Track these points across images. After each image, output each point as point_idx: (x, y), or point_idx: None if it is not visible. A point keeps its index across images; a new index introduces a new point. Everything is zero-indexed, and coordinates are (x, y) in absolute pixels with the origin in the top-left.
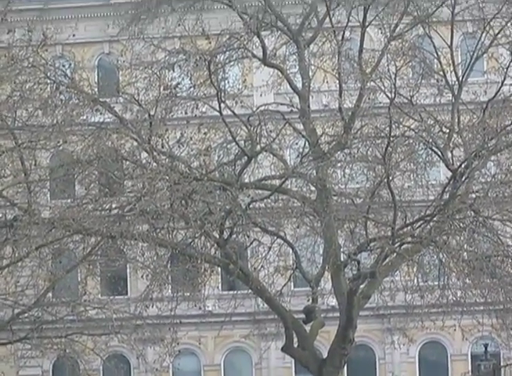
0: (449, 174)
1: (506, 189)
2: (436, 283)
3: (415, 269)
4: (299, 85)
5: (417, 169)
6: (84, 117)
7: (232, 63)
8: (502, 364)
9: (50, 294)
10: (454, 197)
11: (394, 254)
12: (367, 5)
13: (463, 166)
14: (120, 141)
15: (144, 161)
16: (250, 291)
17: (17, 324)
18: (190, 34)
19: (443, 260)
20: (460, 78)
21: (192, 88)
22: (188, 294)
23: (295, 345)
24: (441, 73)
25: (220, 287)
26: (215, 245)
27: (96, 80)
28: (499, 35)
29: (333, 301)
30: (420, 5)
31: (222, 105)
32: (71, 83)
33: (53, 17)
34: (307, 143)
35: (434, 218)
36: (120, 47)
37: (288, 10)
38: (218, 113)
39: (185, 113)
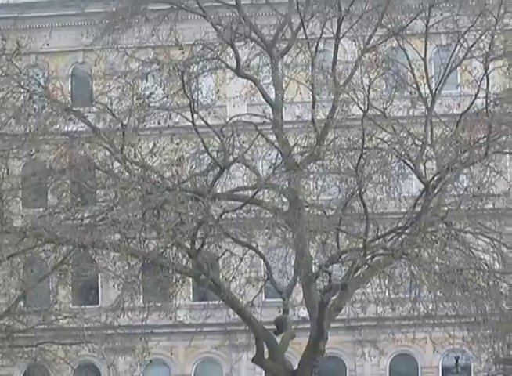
0: (422, 186)
1: (479, 203)
2: (407, 295)
3: (386, 282)
4: (272, 96)
5: (390, 181)
6: (57, 127)
7: (205, 74)
8: None
9: (21, 303)
10: (426, 210)
11: (366, 266)
12: (341, 17)
13: (435, 179)
14: (93, 150)
15: (116, 171)
16: (221, 301)
17: None
18: (164, 44)
19: (415, 272)
20: (434, 91)
21: (165, 99)
22: (159, 304)
23: (266, 357)
24: (415, 85)
25: (191, 298)
26: (187, 255)
27: (70, 89)
28: (473, 48)
29: (304, 313)
30: (394, 17)
31: (195, 115)
32: (45, 92)
33: (27, 26)
34: (279, 154)
35: (406, 231)
36: (94, 56)
37: (262, 21)
38: (190, 124)
39: (158, 123)
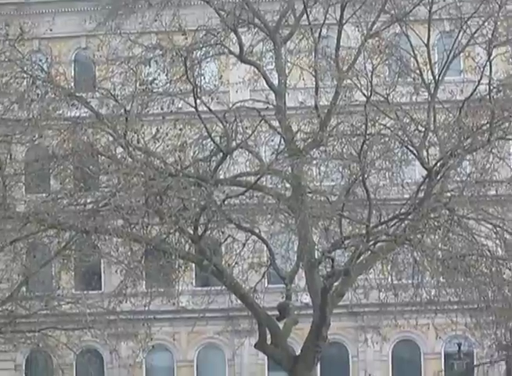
0: (425, 172)
1: (482, 189)
2: (410, 281)
3: (389, 268)
4: (275, 82)
5: (393, 167)
6: (60, 112)
7: (208, 60)
8: (475, 363)
9: (24, 289)
10: (429, 196)
11: (369, 252)
12: (344, 3)
13: (438, 165)
14: (96, 136)
15: (119, 156)
16: (223, 287)
17: None
18: (167, 30)
19: (417, 258)
20: (437, 77)
21: (168, 84)
22: (162, 289)
23: (268, 342)
24: (418, 71)
25: (194, 283)
26: (190, 241)
27: (73, 74)
28: (476, 34)
29: (306, 299)
30: (398, 3)
31: (198, 101)
32: (48, 77)
33: (30, 11)
34: (282, 140)
35: (409, 217)
36: (97, 42)
37: (265, 7)
38: (193, 110)
39: (161, 108)
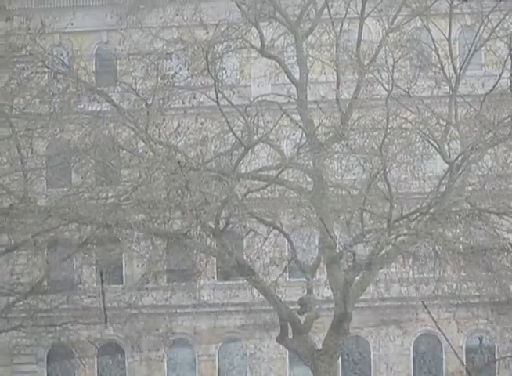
0: (446, 166)
1: (503, 182)
2: (431, 275)
3: (410, 262)
4: (297, 76)
5: (414, 161)
6: (82, 106)
7: (229, 54)
8: (496, 357)
9: (45, 283)
10: (450, 190)
11: (390, 246)
12: None
13: (459, 159)
14: (117, 130)
15: (141, 151)
16: (245, 281)
17: (12, 312)
18: (188, 24)
19: (439, 252)
20: (458, 71)
21: (189, 78)
22: (183, 283)
23: (290, 336)
24: (439, 65)
25: (215, 278)
26: (211, 235)
27: (94, 69)
28: (498, 28)
29: (328, 293)
30: None
31: (220, 95)
32: (69, 72)
33: (52, 5)
34: (304, 134)
35: (431, 211)
36: (119, 36)
37: (286, 1)
38: (215, 104)
39: (183, 103)
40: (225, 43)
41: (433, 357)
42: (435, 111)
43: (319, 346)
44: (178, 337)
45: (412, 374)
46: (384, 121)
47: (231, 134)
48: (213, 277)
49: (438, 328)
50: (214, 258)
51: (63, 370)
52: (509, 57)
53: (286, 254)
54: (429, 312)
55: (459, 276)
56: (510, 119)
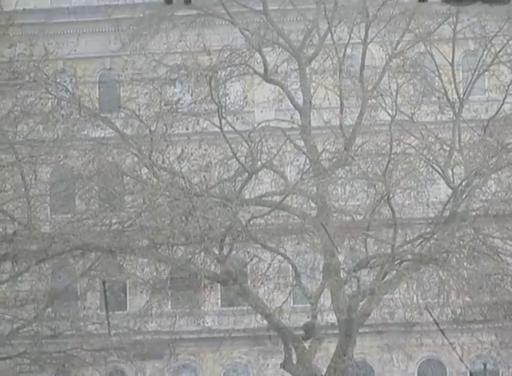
0: (450, 191)
1: (507, 207)
2: (436, 300)
3: (414, 287)
4: (300, 102)
5: (418, 187)
6: (85, 132)
7: (233, 79)
8: None
9: (50, 309)
10: (454, 215)
11: (394, 271)
12: (369, 23)
13: (463, 184)
14: (121, 156)
15: (144, 177)
16: (249, 307)
17: (16, 339)
18: (191, 50)
19: (443, 278)
20: (461, 96)
21: (193, 104)
22: (187, 310)
23: (294, 362)
24: (443, 90)
25: (219, 304)
26: (215, 261)
27: (97, 95)
28: (501, 53)
29: (332, 318)
30: (422, 22)
31: (223, 121)
32: (72, 98)
33: (55, 32)
34: (307, 160)
35: (434, 236)
36: (122, 62)
37: (290, 27)
38: (218, 130)
39: (186, 128)
40: (229, 69)
41: None
42: (439, 136)
43: (324, 372)
44: (182, 363)
45: None
46: (388, 146)
47: (234, 160)
48: (217, 303)
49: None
50: (219, 284)
51: None
52: None
53: (291, 279)
54: (440, 330)
55: (463, 302)
56: None
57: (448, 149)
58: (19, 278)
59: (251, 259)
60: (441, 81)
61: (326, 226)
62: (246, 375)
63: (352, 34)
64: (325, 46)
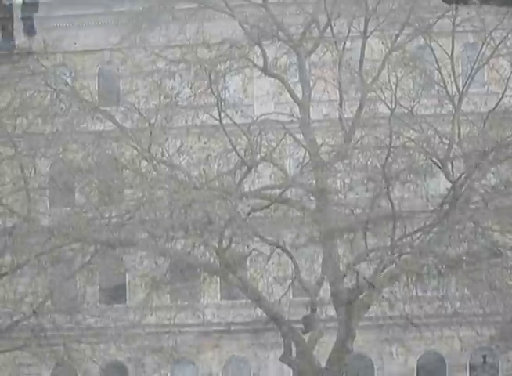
0: (449, 185)
1: (506, 200)
2: (435, 293)
3: (414, 280)
4: (299, 95)
5: (417, 180)
6: (85, 126)
7: (232, 73)
8: (500, 375)
9: (49, 302)
10: (453, 208)
11: (393, 264)
12: (368, 16)
13: (462, 177)
14: (120, 149)
15: (144, 170)
16: (248, 300)
17: (16, 332)
18: (191, 43)
19: (442, 271)
20: (461, 89)
21: (192, 97)
22: (187, 303)
23: (294, 355)
24: (442, 83)
25: (219, 297)
26: (214, 254)
27: (97, 88)
28: (500, 46)
29: (331, 311)
30: (421, 15)
31: (222, 114)
32: (72, 91)
33: (54, 25)
34: (307, 153)
35: (434, 229)
36: (121, 55)
37: (289, 20)
38: (218, 123)
39: (186, 122)
40: (228, 62)
41: (437, 375)
42: (438, 130)
43: (323, 365)
44: (181, 356)
45: None
46: (387, 139)
47: (234, 153)
48: (216, 296)
49: None
50: (218, 278)
51: None
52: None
53: (290, 273)
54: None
55: (463, 295)
56: None
57: (447, 142)
58: (19, 271)
59: (250, 252)
60: (441, 74)
61: (325, 219)
62: (245, 368)
63: (352, 28)
64: (324, 39)
